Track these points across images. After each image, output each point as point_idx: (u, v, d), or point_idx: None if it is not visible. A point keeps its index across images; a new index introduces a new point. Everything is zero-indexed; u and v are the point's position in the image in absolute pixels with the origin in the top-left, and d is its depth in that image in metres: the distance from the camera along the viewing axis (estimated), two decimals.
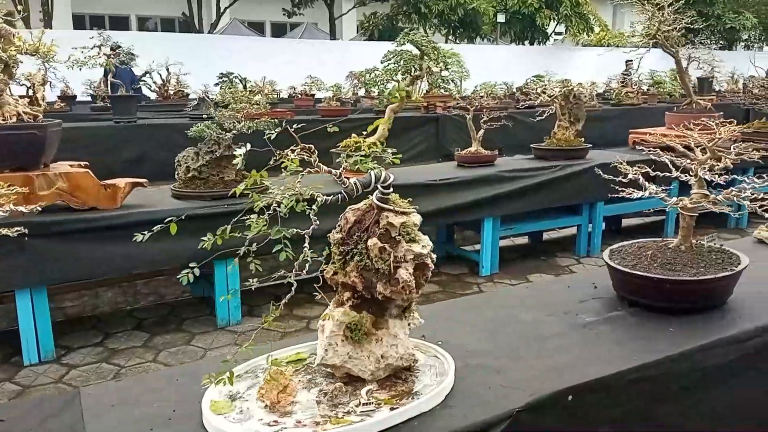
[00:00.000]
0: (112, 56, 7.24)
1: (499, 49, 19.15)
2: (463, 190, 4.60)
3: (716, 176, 1.91)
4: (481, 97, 5.14)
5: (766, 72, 6.33)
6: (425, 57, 4.10)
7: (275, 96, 10.12)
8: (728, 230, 6.13)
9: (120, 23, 23.38)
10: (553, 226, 5.33)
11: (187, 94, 9.50)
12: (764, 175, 1.92)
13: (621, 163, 2.02)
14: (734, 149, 1.95)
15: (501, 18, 18.95)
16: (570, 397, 1.44)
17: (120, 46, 7.96)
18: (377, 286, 1.35)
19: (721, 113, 6.11)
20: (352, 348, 1.38)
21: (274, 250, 1.25)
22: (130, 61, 8.17)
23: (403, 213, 1.38)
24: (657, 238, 2.17)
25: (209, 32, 18.19)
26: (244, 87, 8.30)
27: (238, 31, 18.23)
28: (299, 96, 11.66)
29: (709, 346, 1.69)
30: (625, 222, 6.43)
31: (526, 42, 19.85)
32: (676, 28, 5.71)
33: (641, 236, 2.15)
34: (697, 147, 1.99)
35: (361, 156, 3.89)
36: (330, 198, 1.33)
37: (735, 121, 2.08)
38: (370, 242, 1.34)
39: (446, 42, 19.02)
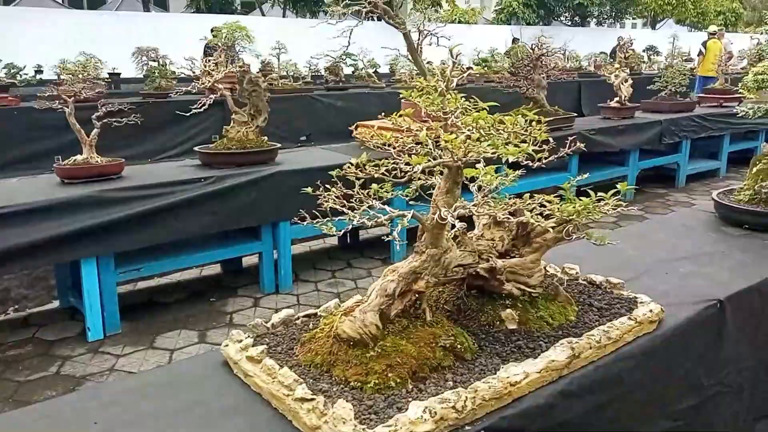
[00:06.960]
0: None
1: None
2: (57, 218, 3.20)
3: None
4: (82, 81, 3.71)
5: (531, 47, 5.35)
6: None
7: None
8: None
9: None
10: (215, 259, 4.00)
11: None
12: None
13: None
14: None
15: None
16: None
17: None
18: None
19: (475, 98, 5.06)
20: None
21: None
22: None
23: None
24: None
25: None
26: None
27: (40, 3, 15.70)
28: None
29: None
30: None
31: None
32: None
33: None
34: None
35: None
36: None
37: None
38: None
39: (283, 16, 17.42)
